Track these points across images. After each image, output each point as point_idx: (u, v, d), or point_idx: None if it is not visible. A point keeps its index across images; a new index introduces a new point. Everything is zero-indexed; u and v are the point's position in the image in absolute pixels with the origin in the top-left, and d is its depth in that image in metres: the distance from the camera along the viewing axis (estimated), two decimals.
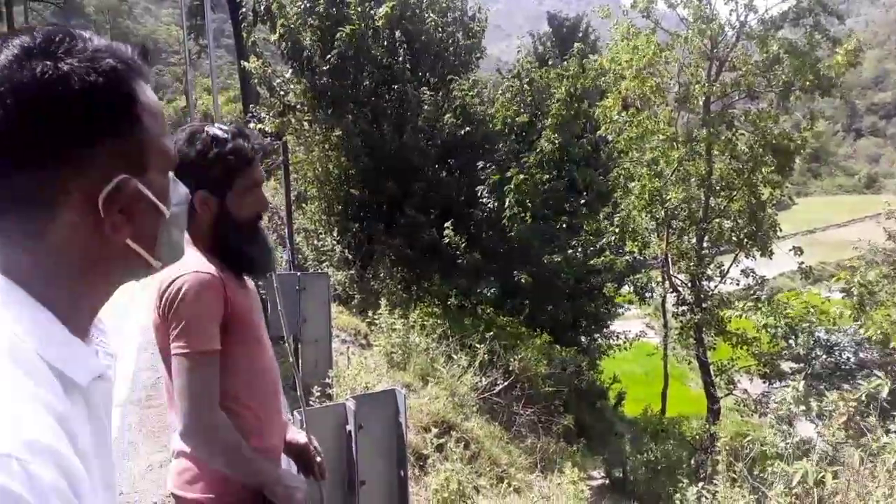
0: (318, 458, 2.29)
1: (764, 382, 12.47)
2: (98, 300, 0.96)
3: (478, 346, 8.47)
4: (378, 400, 2.98)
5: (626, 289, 14.82)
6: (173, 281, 1.87)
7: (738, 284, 13.57)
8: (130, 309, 8.47)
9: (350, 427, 2.84)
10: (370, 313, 8.48)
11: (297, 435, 2.30)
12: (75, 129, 0.84)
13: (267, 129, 11.33)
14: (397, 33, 10.83)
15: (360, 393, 5.36)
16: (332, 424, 2.86)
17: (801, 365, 11.16)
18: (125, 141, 0.89)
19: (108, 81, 0.86)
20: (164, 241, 0.98)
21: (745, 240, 12.63)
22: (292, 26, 10.79)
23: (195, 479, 2.00)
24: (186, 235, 2.04)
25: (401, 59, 10.95)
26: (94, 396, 0.91)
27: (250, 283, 2.17)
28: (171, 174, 1.01)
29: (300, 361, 4.79)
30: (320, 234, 11.64)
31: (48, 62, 0.83)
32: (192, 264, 1.91)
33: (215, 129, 2.03)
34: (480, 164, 11.17)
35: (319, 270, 9.89)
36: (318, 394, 5.13)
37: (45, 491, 0.70)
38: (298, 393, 2.62)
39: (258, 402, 2.05)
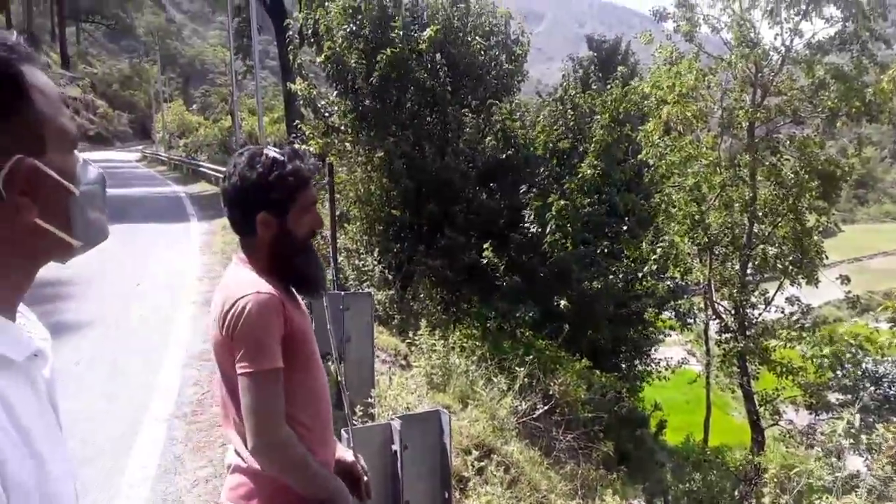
0: (365, 478, 2.32)
1: (810, 413, 12.19)
2: (21, 281, 0.96)
3: (518, 369, 8.42)
4: (423, 421, 3.00)
5: (666, 314, 14.65)
6: (236, 301, 1.93)
7: (782, 312, 13.33)
8: (172, 328, 8.66)
9: (395, 447, 2.86)
10: (410, 334, 8.50)
11: (344, 453, 2.34)
12: None
13: (311, 149, 11.50)
14: (440, 56, 10.96)
15: (402, 413, 5.38)
16: (377, 443, 2.89)
17: (849, 396, 10.89)
18: (16, 122, 0.88)
19: None
20: (79, 220, 0.98)
21: (791, 267, 12.40)
22: (338, 49, 11.00)
23: (250, 494, 2.05)
24: (242, 255, 2.12)
25: (443, 81, 11.07)
26: (33, 373, 0.94)
27: (302, 302, 2.22)
28: (78, 155, 1.00)
29: (345, 380, 4.83)
30: (361, 253, 11.74)
31: None
32: (253, 284, 1.97)
33: (273, 152, 2.10)
34: (523, 188, 11.18)
35: (360, 290, 9.96)
36: (361, 413, 5.16)
37: None
38: (346, 411, 2.65)
39: (313, 419, 2.10)
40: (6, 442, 0.79)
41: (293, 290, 2.15)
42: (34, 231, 0.92)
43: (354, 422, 4.60)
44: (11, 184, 0.87)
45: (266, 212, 2.04)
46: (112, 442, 5.40)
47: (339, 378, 2.34)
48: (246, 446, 2.01)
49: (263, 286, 1.97)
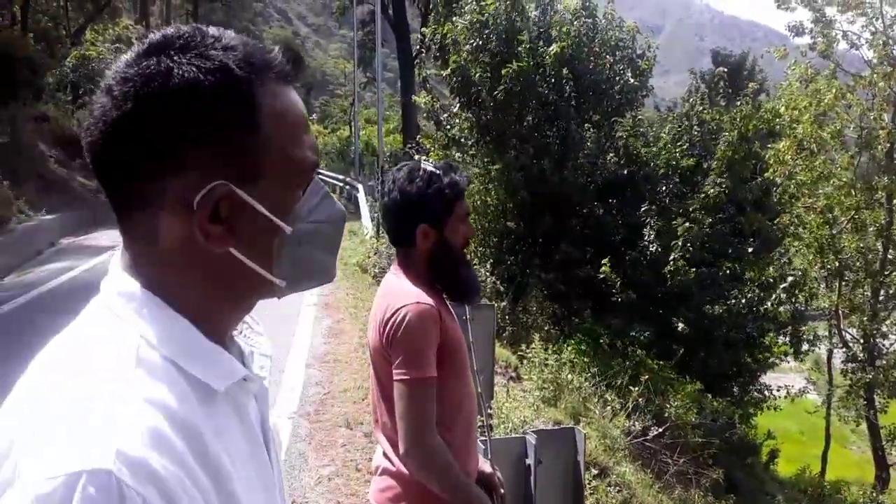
0: (502, 490, 2.36)
1: None
2: (231, 311, 0.92)
3: (632, 388, 8.28)
4: (557, 437, 3.02)
5: (781, 339, 14.00)
6: (398, 310, 2.02)
7: None
8: (295, 328, 8.99)
9: (530, 461, 2.89)
10: (523, 347, 8.50)
11: (483, 464, 2.38)
12: (173, 127, 0.80)
13: (432, 161, 11.70)
14: (564, 71, 10.93)
15: (520, 426, 5.41)
16: (512, 456, 2.92)
17: None
18: (233, 145, 0.82)
19: (217, 80, 0.81)
20: (284, 259, 0.89)
21: None
22: (464, 62, 11.17)
23: (398, 497, 2.11)
24: (399, 266, 2.21)
25: (566, 96, 11.04)
26: (241, 400, 0.90)
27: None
28: (317, 189, 0.94)
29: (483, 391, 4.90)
30: (475, 265, 11.83)
31: (155, 58, 0.81)
32: (413, 295, 2.05)
33: (430, 166, 2.19)
34: (644, 206, 10.97)
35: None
36: (480, 424, 5.21)
37: None
38: (484, 422, 2.71)
39: (461, 427, 2.15)
40: (183, 485, 0.73)
41: (446, 299, 2.22)
42: (231, 261, 0.86)
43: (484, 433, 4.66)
44: (203, 208, 0.82)
45: (426, 223, 2.13)
46: None
47: (478, 389, 2.40)
48: (395, 450, 2.08)
49: (423, 297, 2.05)
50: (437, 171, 2.16)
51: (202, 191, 0.81)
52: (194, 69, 0.80)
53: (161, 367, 0.79)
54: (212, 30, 0.86)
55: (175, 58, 0.80)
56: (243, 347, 0.97)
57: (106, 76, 0.83)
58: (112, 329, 0.81)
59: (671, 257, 10.26)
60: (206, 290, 0.86)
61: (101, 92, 0.82)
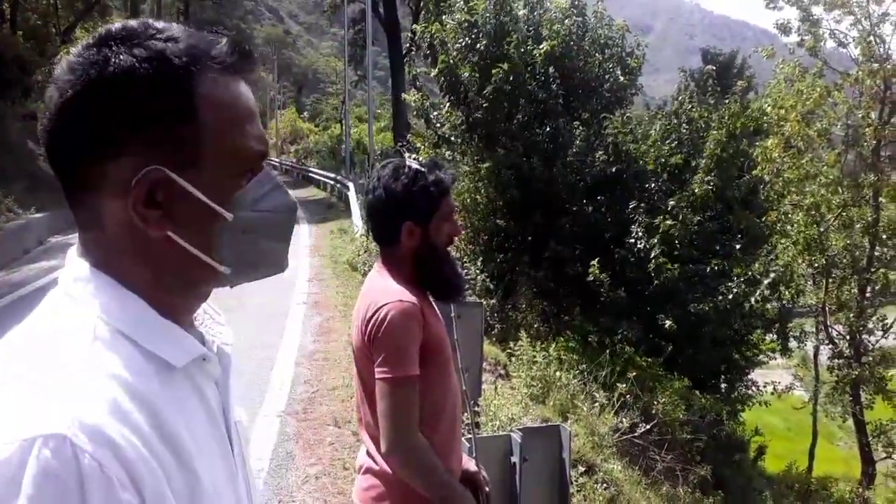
0: (487, 488, 2.37)
1: None
2: (182, 297, 0.92)
3: (619, 385, 8.30)
4: (544, 434, 3.03)
5: (769, 337, 14.08)
6: (380, 308, 2.02)
7: None
8: (284, 327, 8.99)
9: (515, 459, 2.91)
10: (512, 344, 8.52)
11: (468, 462, 2.39)
12: (110, 114, 0.82)
13: (420, 159, 11.69)
14: (551, 70, 10.94)
15: (507, 424, 5.42)
16: (497, 454, 2.93)
17: None
18: (169, 132, 0.84)
19: (153, 69, 0.82)
20: (226, 246, 0.90)
21: None
22: (452, 62, 11.17)
23: (381, 496, 2.11)
24: (383, 264, 2.21)
25: (555, 94, 11.05)
26: (199, 379, 0.90)
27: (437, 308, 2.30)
28: (266, 178, 0.94)
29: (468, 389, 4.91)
30: (465, 262, 11.83)
31: (97, 49, 0.84)
32: (396, 293, 2.05)
33: (416, 164, 2.19)
34: (633, 203, 10.99)
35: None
36: (466, 422, 5.22)
37: (91, 481, 0.68)
38: (469, 420, 2.72)
39: (444, 426, 2.16)
40: (141, 454, 0.74)
41: (430, 297, 2.23)
42: (172, 246, 0.86)
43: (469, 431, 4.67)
44: (138, 190, 0.83)
45: (411, 221, 2.12)
46: None
47: (463, 387, 2.41)
48: (378, 449, 2.09)
49: (406, 295, 2.05)
50: (423, 169, 2.16)
51: (137, 175, 0.83)
52: (131, 58, 0.82)
53: (117, 342, 0.81)
54: (159, 23, 0.88)
55: (114, 48, 0.83)
56: (205, 336, 0.99)
57: (57, 68, 0.86)
58: (69, 311, 0.83)
59: (651, 255, 10.29)
60: (151, 273, 0.88)
61: (51, 83, 0.86)
